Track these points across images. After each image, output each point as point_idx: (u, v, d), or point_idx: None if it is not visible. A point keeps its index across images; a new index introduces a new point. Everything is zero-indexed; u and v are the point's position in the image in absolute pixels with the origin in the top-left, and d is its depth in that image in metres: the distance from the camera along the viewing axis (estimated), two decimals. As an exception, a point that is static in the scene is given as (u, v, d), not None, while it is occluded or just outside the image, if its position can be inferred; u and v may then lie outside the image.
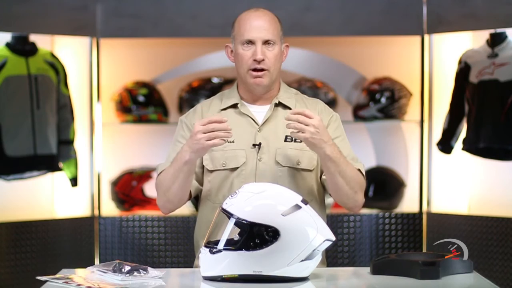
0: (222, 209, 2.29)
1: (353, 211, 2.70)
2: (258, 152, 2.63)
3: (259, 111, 2.69)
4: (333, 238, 2.30)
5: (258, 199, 2.27)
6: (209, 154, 2.65)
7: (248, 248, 2.22)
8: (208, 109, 2.73)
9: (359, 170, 2.63)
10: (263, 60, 2.60)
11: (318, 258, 2.29)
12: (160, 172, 2.64)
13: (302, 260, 2.25)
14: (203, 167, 2.68)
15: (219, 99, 2.75)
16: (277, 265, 2.23)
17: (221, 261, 2.25)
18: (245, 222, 2.23)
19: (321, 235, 2.27)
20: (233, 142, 2.64)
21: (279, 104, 2.70)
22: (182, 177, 2.55)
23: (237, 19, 2.68)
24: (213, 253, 2.26)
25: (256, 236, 2.22)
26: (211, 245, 2.29)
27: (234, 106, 2.70)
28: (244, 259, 2.23)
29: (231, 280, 2.26)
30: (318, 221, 2.29)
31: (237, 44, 2.65)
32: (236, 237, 2.28)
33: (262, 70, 2.62)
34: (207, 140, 2.44)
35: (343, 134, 2.72)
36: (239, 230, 2.28)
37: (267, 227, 2.22)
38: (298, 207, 2.27)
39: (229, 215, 2.26)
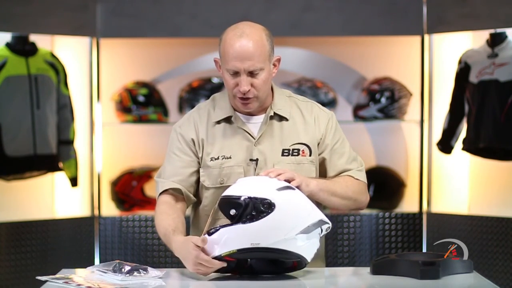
0: (221, 198, 2.33)
1: (359, 211, 2.70)
2: (255, 168, 2.55)
3: (254, 122, 2.59)
4: (327, 220, 2.36)
5: (252, 181, 2.38)
6: (206, 171, 2.57)
7: (244, 222, 2.26)
8: (201, 120, 2.60)
9: (352, 176, 2.61)
10: (248, 91, 2.48)
11: (317, 241, 2.33)
12: (159, 195, 2.56)
13: (298, 234, 2.28)
14: (198, 182, 2.59)
15: (211, 107, 2.62)
16: (274, 236, 2.26)
17: (219, 239, 2.28)
18: (241, 198, 2.27)
19: (315, 213, 2.34)
20: (230, 158, 2.55)
21: (274, 116, 2.59)
22: None
23: (223, 38, 2.52)
24: (211, 234, 2.29)
25: (252, 209, 2.27)
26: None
27: (228, 119, 2.59)
28: (241, 233, 2.26)
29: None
30: (312, 203, 2.37)
31: (223, 67, 2.52)
32: (233, 212, 2.31)
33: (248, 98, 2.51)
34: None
35: (342, 135, 2.66)
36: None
37: (262, 200, 2.27)
38: (291, 188, 2.36)
39: (225, 201, 2.31)
